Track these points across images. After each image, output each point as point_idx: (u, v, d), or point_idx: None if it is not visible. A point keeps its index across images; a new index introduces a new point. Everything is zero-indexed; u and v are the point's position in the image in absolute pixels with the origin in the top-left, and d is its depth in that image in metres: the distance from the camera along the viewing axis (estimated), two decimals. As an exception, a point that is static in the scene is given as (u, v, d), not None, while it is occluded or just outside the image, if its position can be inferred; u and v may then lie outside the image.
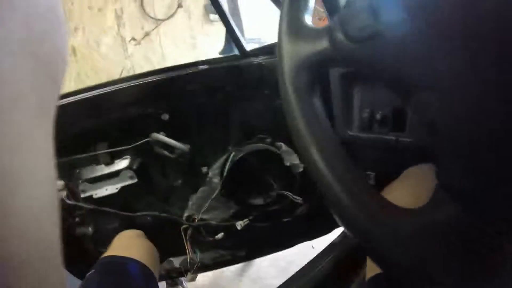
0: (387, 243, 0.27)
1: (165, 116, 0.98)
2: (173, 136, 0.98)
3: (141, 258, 0.80)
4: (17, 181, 0.15)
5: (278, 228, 1.10)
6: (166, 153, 0.99)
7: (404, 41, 0.28)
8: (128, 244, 0.89)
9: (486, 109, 0.23)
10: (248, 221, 1.05)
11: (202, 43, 2.74)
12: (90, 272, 0.74)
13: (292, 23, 0.38)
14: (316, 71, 0.36)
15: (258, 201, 1.06)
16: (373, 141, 0.68)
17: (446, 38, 0.25)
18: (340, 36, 0.33)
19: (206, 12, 2.72)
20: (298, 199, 1.02)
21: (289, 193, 1.03)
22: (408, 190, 0.52)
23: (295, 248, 1.16)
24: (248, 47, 1.04)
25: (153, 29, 2.79)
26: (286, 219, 1.10)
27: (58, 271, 0.18)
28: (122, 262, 0.77)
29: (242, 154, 0.99)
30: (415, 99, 0.28)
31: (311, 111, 0.35)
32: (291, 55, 0.36)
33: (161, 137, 0.97)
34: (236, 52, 1.02)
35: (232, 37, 1.02)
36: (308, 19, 0.39)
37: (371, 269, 0.53)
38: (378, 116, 0.66)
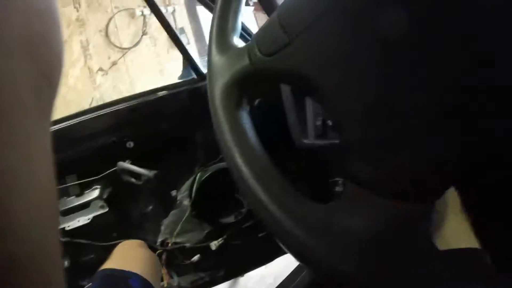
0: (301, 239, 0.28)
1: (130, 144, 0.99)
2: (140, 162, 0.99)
3: (143, 272, 0.77)
4: (16, 182, 0.14)
5: (254, 244, 1.10)
6: (133, 180, 0.99)
7: (307, 47, 0.30)
8: (130, 256, 0.87)
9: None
10: (222, 241, 1.04)
11: (169, 68, 2.76)
12: (88, 285, 0.71)
13: (219, 44, 0.40)
14: (241, 88, 0.38)
15: (230, 219, 1.06)
16: (329, 147, 0.70)
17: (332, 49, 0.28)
18: (256, 52, 0.35)
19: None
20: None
21: None
22: None
23: (281, 262, 1.15)
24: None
25: (120, 58, 2.79)
26: (260, 234, 1.10)
27: (59, 271, 0.18)
28: (123, 276, 0.74)
29: (208, 174, 1.00)
30: (320, 98, 0.31)
31: (238, 124, 0.36)
32: (219, 73, 0.38)
33: (127, 165, 0.97)
34: (194, 75, 1.05)
35: (188, 61, 1.05)
36: (235, 40, 0.41)
37: None
38: (330, 123, 0.67)
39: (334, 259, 0.26)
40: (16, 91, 0.15)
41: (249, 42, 0.37)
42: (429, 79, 0.24)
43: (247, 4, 2.37)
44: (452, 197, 0.35)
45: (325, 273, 0.27)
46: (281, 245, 0.30)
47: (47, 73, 0.17)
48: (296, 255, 0.29)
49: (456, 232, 0.35)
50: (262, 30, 0.36)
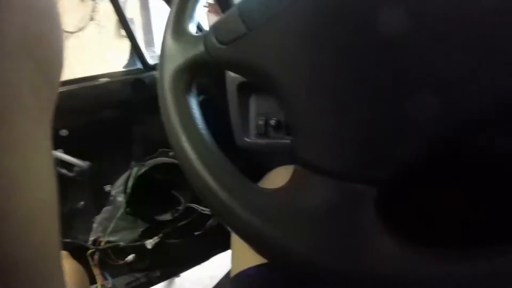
0: (252, 222, 0.28)
1: (64, 132, 0.92)
2: (73, 153, 0.92)
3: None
4: (15, 182, 0.14)
5: (191, 242, 1.08)
6: (64, 171, 0.92)
7: (265, 39, 0.31)
8: None
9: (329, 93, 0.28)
10: (158, 239, 1.01)
11: (112, 58, 2.65)
12: None
13: (175, 30, 0.40)
14: (192, 74, 0.38)
15: (166, 216, 1.03)
16: (270, 146, 0.71)
17: (288, 43, 0.29)
18: (212, 40, 0.36)
19: (118, 26, 2.66)
20: (207, 211, 1.02)
21: (197, 205, 1.02)
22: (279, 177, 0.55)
23: (217, 262, 1.14)
24: (157, 60, 1.04)
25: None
26: (197, 233, 1.08)
27: (59, 272, 0.18)
28: None
29: (145, 169, 0.96)
30: (274, 91, 0.32)
31: (185, 108, 0.36)
32: (171, 59, 0.38)
33: (59, 154, 0.90)
34: (139, 65, 1.01)
35: (135, 51, 1.01)
36: (191, 28, 0.41)
37: (237, 265, 0.53)
38: (272, 122, 0.69)
39: (285, 240, 0.27)
40: (16, 92, 0.15)
41: (207, 30, 0.37)
42: (394, 78, 0.25)
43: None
44: None
45: (277, 255, 0.28)
46: (231, 231, 0.31)
47: (47, 73, 0.17)
48: (245, 239, 0.29)
49: None
50: (221, 19, 0.36)
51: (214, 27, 0.36)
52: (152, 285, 1.11)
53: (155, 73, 0.97)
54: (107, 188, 0.99)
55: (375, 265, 0.24)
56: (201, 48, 0.37)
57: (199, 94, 0.40)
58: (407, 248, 0.24)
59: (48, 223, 0.17)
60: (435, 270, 0.23)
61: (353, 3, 0.27)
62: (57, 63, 0.19)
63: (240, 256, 0.54)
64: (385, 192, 0.27)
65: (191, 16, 0.42)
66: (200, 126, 0.36)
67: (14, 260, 0.14)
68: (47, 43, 0.17)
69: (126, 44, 1.06)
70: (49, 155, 0.18)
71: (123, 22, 1.00)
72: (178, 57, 0.38)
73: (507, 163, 0.29)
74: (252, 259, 0.49)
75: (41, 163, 0.16)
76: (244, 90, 0.73)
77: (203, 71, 0.39)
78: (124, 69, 1.03)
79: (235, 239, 0.61)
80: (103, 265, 0.99)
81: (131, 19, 2.70)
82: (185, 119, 0.35)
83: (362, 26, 0.26)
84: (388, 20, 0.25)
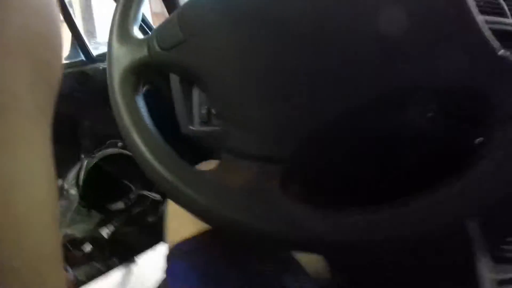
0: (191, 196, 0.33)
1: None
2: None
3: None
4: (14, 183, 0.14)
5: (145, 228, 1.11)
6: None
7: (199, 47, 0.37)
8: None
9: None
10: (114, 228, 1.04)
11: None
12: None
13: (120, 33, 0.43)
14: (138, 75, 0.42)
15: (119, 205, 1.05)
16: (212, 133, 0.75)
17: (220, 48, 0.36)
18: (155, 45, 0.40)
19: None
20: (158, 197, 1.05)
21: (148, 192, 1.05)
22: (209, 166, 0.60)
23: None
24: (100, 50, 1.03)
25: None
26: (151, 219, 1.11)
27: (58, 274, 0.18)
28: None
29: (95, 161, 0.97)
30: (205, 90, 0.38)
31: (134, 107, 0.40)
32: (118, 61, 0.42)
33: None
34: (82, 57, 1.00)
35: (77, 41, 0.99)
36: (135, 30, 0.44)
37: (172, 239, 0.56)
38: (214, 111, 0.73)
39: (221, 211, 0.32)
40: (14, 91, 0.15)
41: (150, 34, 0.41)
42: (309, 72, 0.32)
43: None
44: None
45: (217, 224, 0.34)
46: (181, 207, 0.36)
47: (45, 73, 0.17)
48: (191, 212, 0.35)
49: None
50: (162, 25, 0.40)
51: (156, 32, 0.41)
52: (111, 272, 1.13)
53: (99, 64, 0.97)
54: (59, 182, 0.99)
55: (286, 230, 0.29)
56: (144, 52, 0.41)
57: (144, 84, 0.44)
58: (313, 212, 0.29)
59: (46, 223, 0.17)
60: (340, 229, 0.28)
61: (269, 12, 0.33)
62: (55, 62, 0.18)
63: (175, 231, 0.57)
64: (293, 166, 0.33)
65: (135, 19, 0.45)
66: (147, 123, 0.40)
67: (10, 260, 0.14)
68: (45, 42, 0.17)
69: (66, 30, 1.01)
70: (47, 155, 0.17)
71: (63, 7, 0.97)
72: (123, 60, 0.42)
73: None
74: (187, 231, 0.54)
75: (39, 163, 0.16)
76: (187, 81, 0.76)
77: (148, 73, 0.43)
78: (66, 61, 1.01)
79: (167, 216, 0.64)
80: (64, 259, 0.99)
81: (69, 1, 2.54)
82: (134, 118, 0.40)
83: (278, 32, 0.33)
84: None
